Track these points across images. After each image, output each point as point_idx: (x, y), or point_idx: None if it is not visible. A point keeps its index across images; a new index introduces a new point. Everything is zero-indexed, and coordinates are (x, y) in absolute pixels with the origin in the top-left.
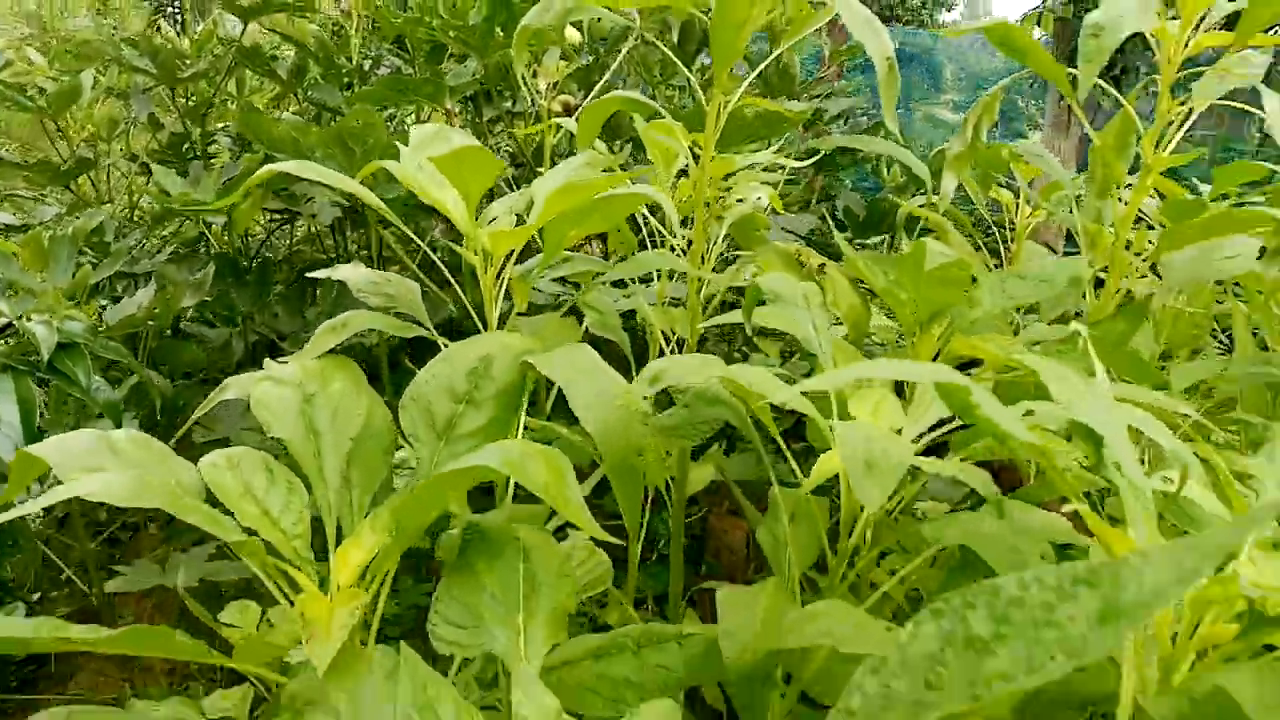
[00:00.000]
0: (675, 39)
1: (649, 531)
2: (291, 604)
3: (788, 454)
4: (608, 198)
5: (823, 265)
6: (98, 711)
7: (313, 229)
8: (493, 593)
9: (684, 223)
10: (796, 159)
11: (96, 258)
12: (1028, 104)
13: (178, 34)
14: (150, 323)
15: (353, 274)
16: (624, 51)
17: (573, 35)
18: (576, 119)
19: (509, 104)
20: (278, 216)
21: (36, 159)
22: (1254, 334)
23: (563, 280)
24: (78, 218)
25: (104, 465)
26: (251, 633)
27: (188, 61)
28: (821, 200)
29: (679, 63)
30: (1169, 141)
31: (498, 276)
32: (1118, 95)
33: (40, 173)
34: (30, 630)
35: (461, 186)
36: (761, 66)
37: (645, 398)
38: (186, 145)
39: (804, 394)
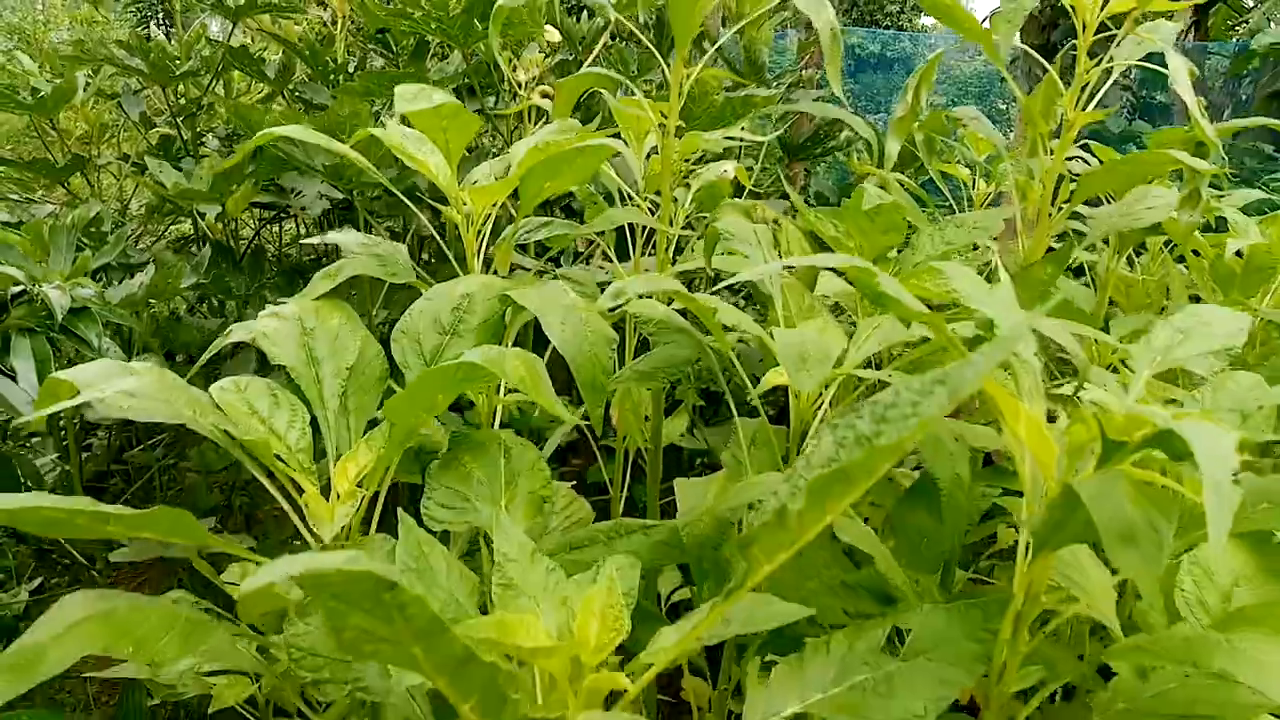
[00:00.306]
0: (653, 36)
1: (629, 496)
2: (295, 507)
3: (748, 384)
4: (579, 149)
5: (776, 220)
6: (126, 596)
7: (301, 230)
8: (478, 479)
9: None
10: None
11: (94, 247)
12: (1009, 105)
13: (167, 38)
14: (150, 304)
15: (345, 238)
16: (600, 45)
17: (552, 35)
18: (552, 99)
19: (492, 100)
20: (267, 214)
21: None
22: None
23: (545, 260)
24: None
25: (128, 390)
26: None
27: (178, 61)
28: (801, 191)
29: (655, 52)
30: (1087, 100)
31: (479, 238)
32: (1043, 62)
33: (36, 170)
34: (68, 510)
35: (442, 144)
36: (720, 42)
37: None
38: (177, 146)
39: (758, 326)
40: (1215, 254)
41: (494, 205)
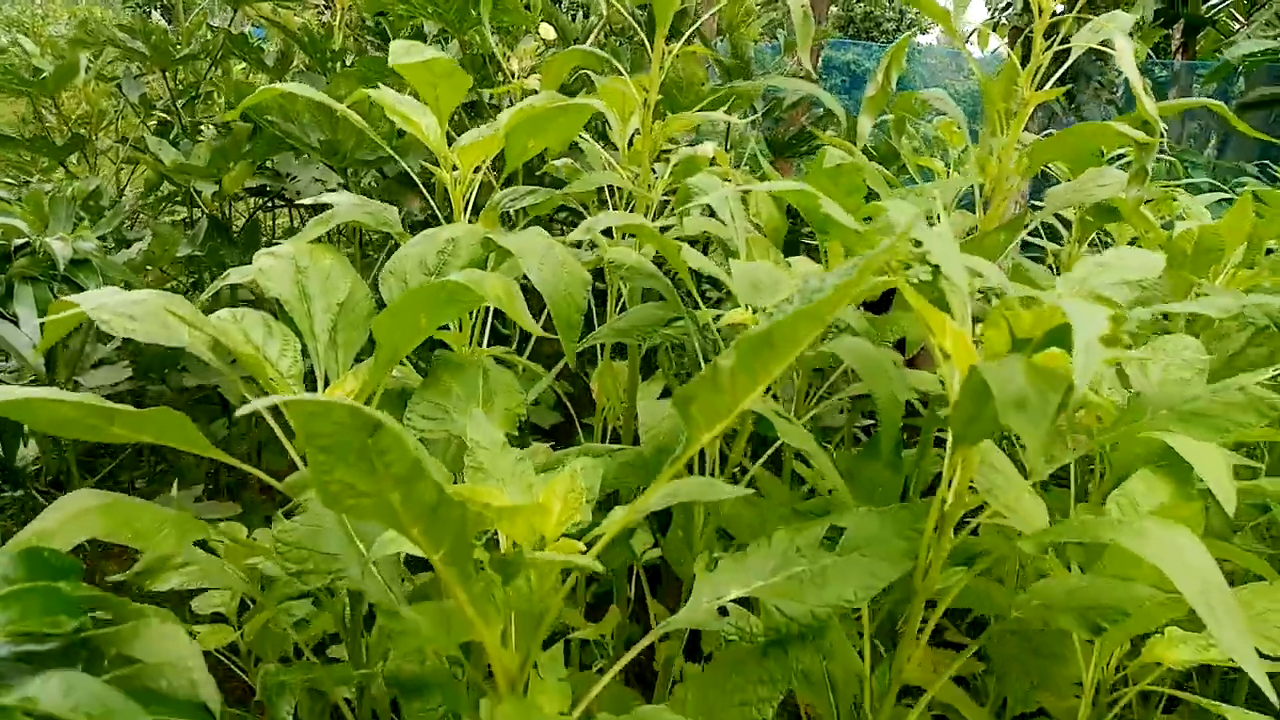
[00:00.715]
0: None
1: None
2: (288, 432)
3: (713, 331)
4: (561, 107)
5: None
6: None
7: (294, 224)
8: (458, 394)
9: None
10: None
11: (92, 219)
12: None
13: (168, 24)
14: (146, 272)
15: (339, 198)
16: (593, 40)
17: (547, 31)
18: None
19: (488, 94)
20: (260, 200)
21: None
22: None
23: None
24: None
25: (131, 313)
26: (238, 538)
27: (179, 46)
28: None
29: (647, 45)
30: (1040, 80)
31: (467, 199)
32: (1006, 49)
33: (36, 149)
34: (74, 404)
35: (433, 102)
36: (697, 24)
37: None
38: (175, 132)
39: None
40: (1167, 236)
41: (483, 164)
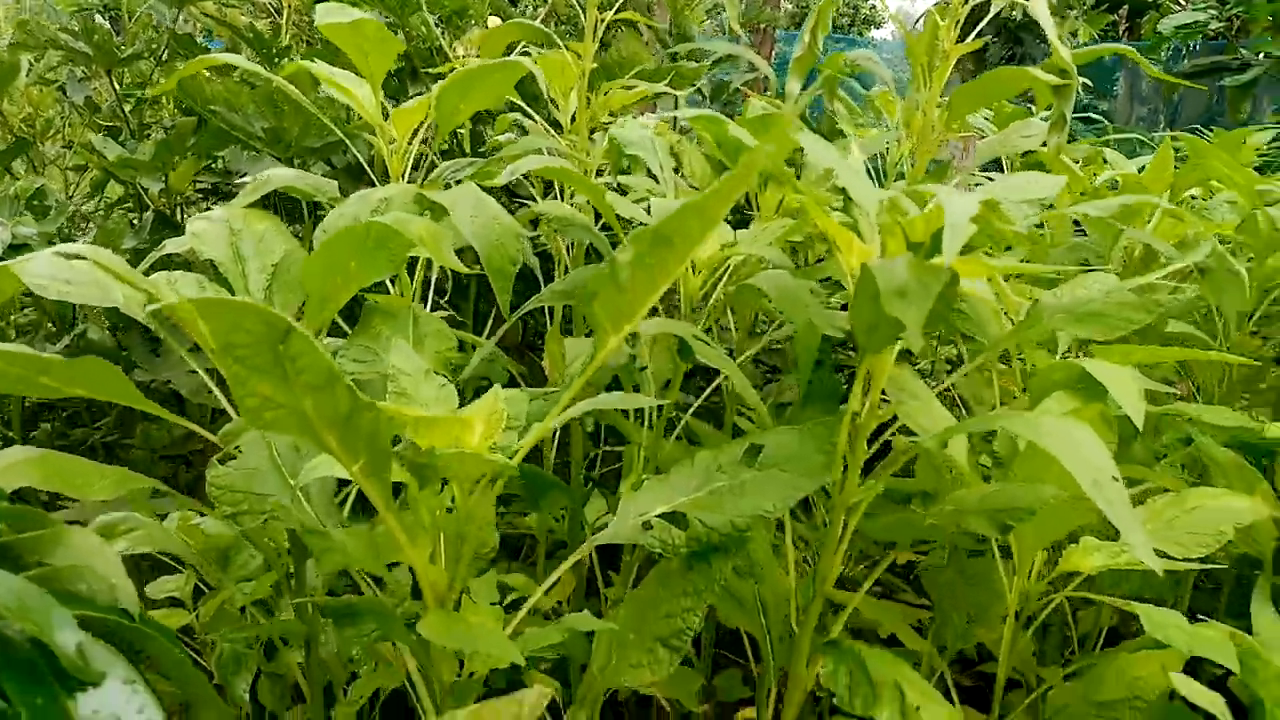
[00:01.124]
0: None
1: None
2: (225, 393)
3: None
4: (489, 66)
5: (679, 141)
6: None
7: None
8: (388, 337)
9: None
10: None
11: (38, 217)
12: None
13: (112, 27)
14: None
15: (279, 171)
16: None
17: (494, 22)
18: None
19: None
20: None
21: None
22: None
23: None
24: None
25: (66, 276)
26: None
27: (123, 47)
28: None
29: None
30: (959, 32)
31: (405, 167)
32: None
33: None
34: (5, 354)
35: (365, 67)
36: None
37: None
38: (123, 136)
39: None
40: (1092, 185)
41: (420, 129)
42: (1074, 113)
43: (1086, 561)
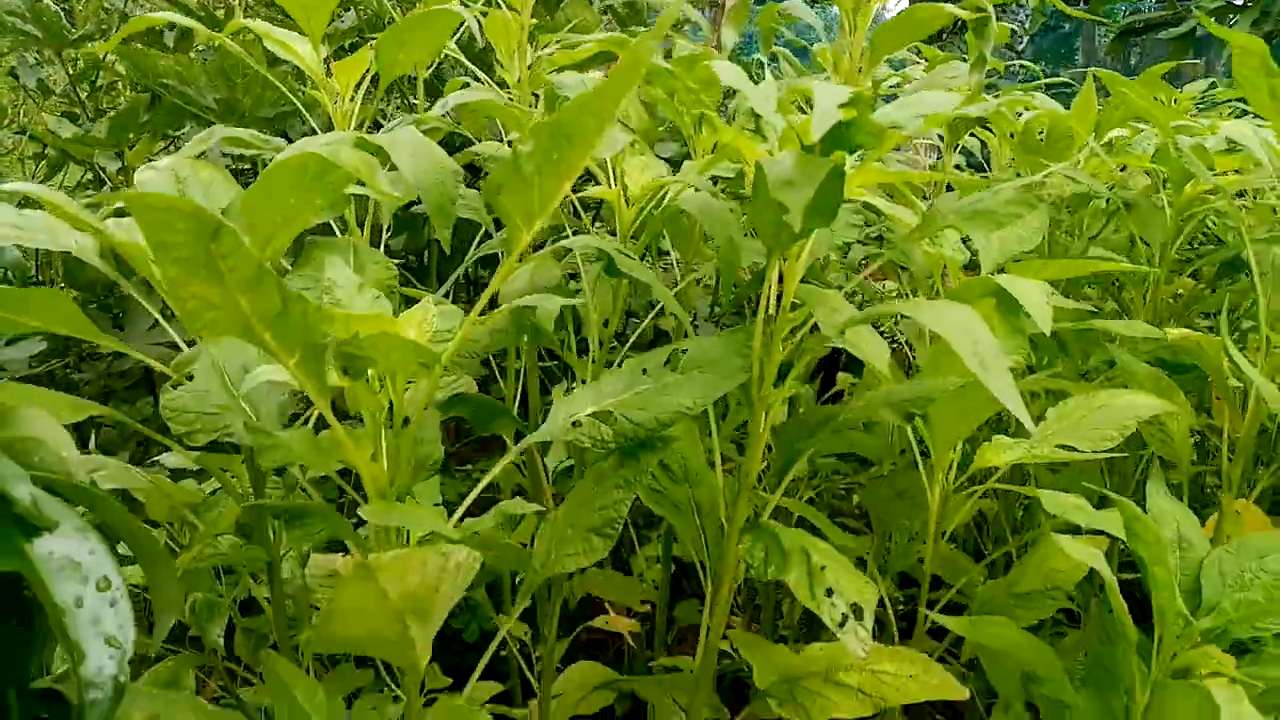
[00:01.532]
0: None
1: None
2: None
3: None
4: (424, 15)
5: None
6: None
7: None
8: (330, 264)
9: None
10: None
11: None
12: None
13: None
14: None
15: (227, 128)
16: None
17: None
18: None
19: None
20: None
21: None
22: None
23: None
24: None
25: (16, 222)
26: (161, 485)
27: (73, 30)
28: None
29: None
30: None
31: (348, 120)
32: None
33: None
34: None
35: (305, 21)
36: None
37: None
38: (81, 119)
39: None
40: (1023, 125)
41: (363, 81)
42: (1034, 83)
43: (999, 457)
